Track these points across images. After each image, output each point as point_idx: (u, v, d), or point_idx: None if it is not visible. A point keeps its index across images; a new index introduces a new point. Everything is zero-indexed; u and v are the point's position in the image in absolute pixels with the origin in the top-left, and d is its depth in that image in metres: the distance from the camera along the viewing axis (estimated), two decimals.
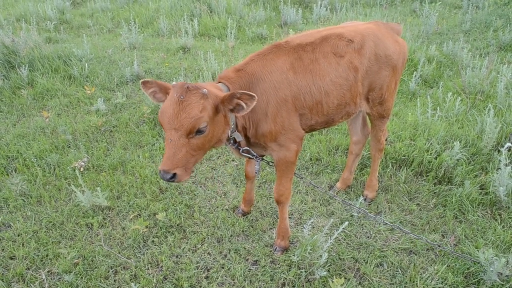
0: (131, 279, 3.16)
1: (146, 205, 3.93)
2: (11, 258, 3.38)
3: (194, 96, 2.40)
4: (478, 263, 3.09)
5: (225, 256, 3.38)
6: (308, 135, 4.93)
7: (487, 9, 9.18)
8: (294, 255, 3.23)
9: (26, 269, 3.27)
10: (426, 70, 6.24)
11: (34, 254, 3.40)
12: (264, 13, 9.71)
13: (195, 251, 3.43)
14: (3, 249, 3.46)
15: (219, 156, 4.72)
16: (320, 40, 2.96)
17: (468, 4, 9.64)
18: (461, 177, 4.05)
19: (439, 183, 4.10)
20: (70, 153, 4.70)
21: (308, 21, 9.68)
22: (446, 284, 3.05)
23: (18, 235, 3.60)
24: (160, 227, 3.65)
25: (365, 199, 3.94)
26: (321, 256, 3.10)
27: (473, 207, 3.76)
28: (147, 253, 3.40)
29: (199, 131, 2.44)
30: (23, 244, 3.50)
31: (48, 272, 3.25)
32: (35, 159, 4.52)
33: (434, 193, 3.99)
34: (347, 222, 3.06)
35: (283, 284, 3.11)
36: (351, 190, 4.12)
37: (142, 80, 2.60)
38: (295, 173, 3.25)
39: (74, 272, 3.21)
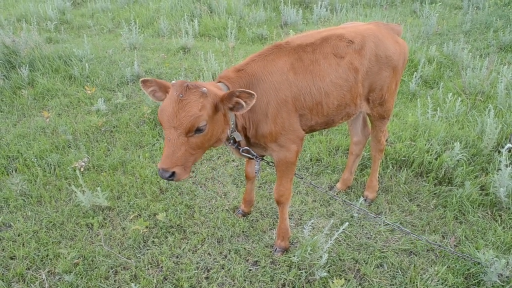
0: (131, 280, 3.16)
1: (146, 205, 3.93)
2: (12, 258, 3.38)
3: (194, 94, 2.40)
4: (479, 264, 3.09)
5: (225, 256, 3.38)
6: (308, 136, 4.93)
7: (487, 9, 9.18)
8: (294, 256, 3.23)
9: (26, 269, 3.27)
10: (426, 70, 6.24)
11: (34, 254, 3.40)
12: (265, 13, 9.72)
13: (195, 251, 3.43)
14: (3, 249, 3.46)
15: (220, 157, 4.72)
16: (321, 41, 2.96)
17: (469, 4, 9.65)
18: (461, 178, 4.04)
19: (439, 184, 4.10)
20: (71, 153, 4.70)
21: (309, 21, 9.68)
22: (446, 285, 3.05)
23: (19, 235, 3.60)
24: (160, 228, 3.65)
25: (365, 200, 3.94)
26: (321, 256, 3.09)
27: (473, 208, 3.76)
28: (147, 253, 3.40)
29: (198, 130, 2.44)
30: (23, 244, 3.50)
31: (48, 272, 3.26)
32: (36, 159, 4.52)
33: (435, 194, 3.99)
34: (347, 223, 3.07)
35: (283, 285, 3.11)
36: (351, 191, 4.12)
37: (141, 79, 2.60)
38: (295, 174, 3.25)
39: (74, 272, 3.21)
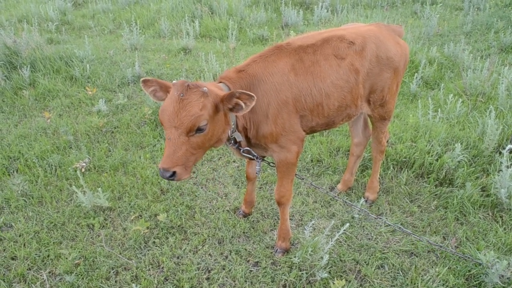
0: (132, 280, 3.17)
1: (147, 206, 3.93)
2: (13, 259, 3.39)
3: (195, 94, 2.41)
4: (480, 265, 3.09)
5: (226, 257, 3.38)
6: (309, 137, 4.93)
7: (488, 10, 9.18)
8: (295, 257, 3.23)
9: (27, 269, 3.28)
10: (427, 71, 6.24)
11: (36, 254, 3.40)
12: (265, 14, 9.72)
13: (196, 252, 3.43)
14: (4, 250, 3.47)
15: (220, 157, 4.72)
16: (321, 42, 2.97)
17: (469, 5, 9.65)
18: (462, 179, 4.04)
19: (440, 185, 4.10)
20: (72, 154, 4.71)
21: (309, 22, 9.68)
22: (447, 286, 3.05)
23: (20, 236, 3.60)
24: (161, 228, 3.65)
25: (366, 201, 3.94)
26: (322, 257, 3.10)
27: (474, 209, 3.75)
28: (148, 254, 3.40)
29: (199, 129, 2.45)
30: (24, 245, 3.51)
31: (49, 272, 3.26)
32: (37, 160, 4.52)
33: (435, 195, 3.99)
34: (348, 224, 3.07)
35: (284, 286, 3.11)
36: (352, 192, 4.12)
37: (142, 79, 2.60)
38: (296, 175, 3.25)
39: (75, 273, 3.21)
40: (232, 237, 3.58)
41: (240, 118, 2.80)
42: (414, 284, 3.09)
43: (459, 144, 4.09)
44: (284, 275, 3.17)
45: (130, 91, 6.27)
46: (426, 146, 4.38)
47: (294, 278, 3.13)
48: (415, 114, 5.08)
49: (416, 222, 3.71)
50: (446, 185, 4.08)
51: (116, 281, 3.17)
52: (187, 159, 2.47)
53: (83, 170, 4.40)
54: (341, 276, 3.16)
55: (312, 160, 4.58)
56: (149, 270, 3.26)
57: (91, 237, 3.60)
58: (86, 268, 3.27)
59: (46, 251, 3.43)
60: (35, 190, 4.14)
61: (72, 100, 5.99)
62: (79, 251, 3.42)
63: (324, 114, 3.02)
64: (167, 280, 3.18)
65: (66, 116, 5.60)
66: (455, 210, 3.76)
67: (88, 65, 6.70)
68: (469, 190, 3.82)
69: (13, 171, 4.45)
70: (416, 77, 5.85)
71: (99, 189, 3.82)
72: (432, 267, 3.22)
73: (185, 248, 3.45)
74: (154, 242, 3.53)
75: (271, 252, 3.39)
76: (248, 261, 3.35)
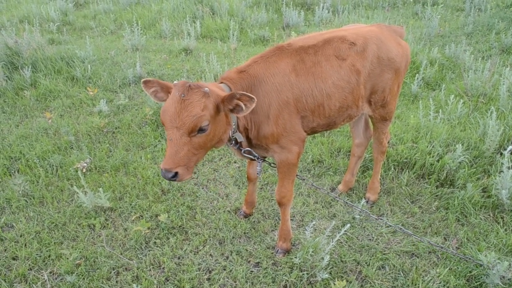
0: (133, 280, 3.17)
1: (148, 206, 3.93)
2: (14, 259, 3.39)
3: (196, 94, 2.41)
4: (481, 266, 3.09)
5: (227, 258, 3.38)
6: (310, 137, 4.93)
7: (490, 11, 9.17)
8: (296, 257, 3.23)
9: (28, 269, 3.28)
10: (428, 72, 6.24)
11: (37, 254, 3.40)
12: (266, 15, 9.73)
13: (197, 252, 3.43)
14: (5, 250, 3.47)
15: (221, 158, 4.72)
16: (323, 43, 2.97)
17: (471, 6, 9.64)
18: (463, 180, 4.04)
19: (441, 186, 4.10)
20: (73, 154, 4.71)
21: (310, 23, 9.69)
22: (448, 287, 3.05)
23: (21, 236, 3.61)
24: (162, 229, 3.65)
25: (367, 202, 3.93)
26: (323, 258, 3.10)
27: (475, 210, 3.75)
28: (149, 254, 3.40)
29: (201, 130, 2.45)
30: (25, 245, 3.51)
31: (50, 272, 3.26)
32: (38, 160, 4.53)
33: (436, 195, 3.99)
34: (349, 225, 3.07)
35: (285, 286, 3.11)
36: (353, 193, 4.12)
37: (143, 80, 2.60)
38: (297, 175, 3.25)
39: (76, 273, 3.22)
40: (233, 237, 3.58)
41: (241, 119, 2.80)
42: (415, 285, 3.08)
43: (460, 145, 4.08)
44: (285, 275, 3.17)
45: (131, 91, 6.27)
46: (427, 147, 4.38)
47: (295, 278, 3.13)
48: (416, 115, 5.07)
49: (417, 223, 3.71)
50: (447, 186, 4.08)
51: (117, 282, 3.17)
52: (189, 160, 2.47)
53: (84, 170, 4.41)
54: (342, 276, 3.16)
55: (313, 161, 4.58)
56: (150, 270, 3.26)
57: (92, 238, 3.60)
58: (87, 268, 3.27)
59: (47, 251, 3.44)
60: (36, 190, 4.14)
61: (73, 100, 5.99)
62: (80, 251, 3.42)
63: (325, 115, 3.02)
64: (168, 280, 3.18)
65: (67, 116, 5.61)
66: (456, 211, 3.76)
67: (89, 65, 6.71)
68: (470, 191, 3.82)
69: (14, 171, 4.46)
70: (417, 78, 5.85)
71: (100, 189, 3.83)
72: (433, 268, 3.22)
73: (186, 249, 3.45)
74: (155, 242, 3.53)
75: (272, 253, 3.40)
76: (249, 261, 3.35)
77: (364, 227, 3.68)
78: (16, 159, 4.66)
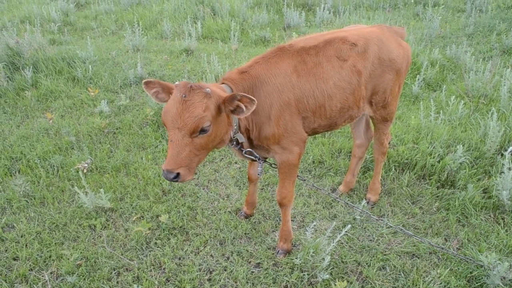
0: (133, 281, 3.17)
1: (149, 207, 3.94)
2: (14, 259, 3.40)
3: (197, 95, 2.41)
4: (481, 267, 3.08)
5: (228, 258, 3.38)
6: (311, 138, 4.93)
7: (491, 12, 9.17)
8: (296, 258, 3.23)
9: (29, 270, 3.28)
10: (429, 73, 6.24)
11: (37, 255, 3.41)
12: (267, 16, 9.73)
13: (198, 253, 3.43)
14: (6, 250, 3.47)
15: (222, 159, 4.73)
16: (324, 44, 2.97)
17: (471, 7, 9.64)
18: (464, 181, 4.04)
19: (442, 187, 4.10)
20: (74, 155, 4.72)
21: (311, 24, 9.69)
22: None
23: (22, 236, 3.61)
24: (163, 229, 3.65)
25: (367, 202, 3.93)
26: (323, 259, 3.09)
27: (476, 211, 3.75)
28: (149, 255, 3.41)
29: (202, 130, 2.45)
30: (26, 245, 3.51)
31: (51, 273, 3.26)
32: (39, 161, 4.54)
33: (437, 196, 3.98)
34: (349, 225, 3.07)
35: (286, 287, 3.11)
36: (354, 193, 4.12)
37: (144, 80, 2.59)
38: (298, 176, 3.26)
39: (77, 274, 3.22)
40: (233, 238, 3.58)
41: (242, 119, 2.80)
42: (416, 285, 3.08)
43: (461, 146, 4.08)
44: (286, 276, 3.17)
45: (132, 92, 6.28)
46: (428, 147, 4.38)
47: (295, 279, 3.13)
48: (417, 116, 5.07)
49: (418, 224, 3.70)
50: (448, 187, 4.07)
51: (117, 282, 3.17)
52: (190, 160, 2.47)
53: (85, 171, 4.41)
54: (343, 277, 3.16)
55: (314, 162, 4.58)
56: (151, 271, 3.26)
57: (93, 238, 3.61)
58: (87, 268, 3.27)
59: (48, 251, 3.44)
60: (37, 190, 4.15)
61: (74, 101, 6.00)
62: (81, 252, 3.43)
63: (326, 116, 3.02)
64: (168, 281, 3.18)
65: (68, 117, 5.61)
66: (457, 212, 3.76)
67: (90, 66, 6.72)
68: (471, 192, 3.82)
69: (15, 172, 4.46)
70: (418, 79, 5.85)
71: (101, 190, 3.83)
72: (434, 269, 3.22)
73: (187, 249, 3.45)
74: (155, 243, 3.53)
75: (273, 253, 3.40)
76: (250, 262, 3.35)
77: (364, 228, 3.68)
78: (17, 160, 4.66)
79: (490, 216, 3.73)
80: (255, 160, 3.08)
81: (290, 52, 2.90)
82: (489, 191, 3.92)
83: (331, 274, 3.17)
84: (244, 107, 2.47)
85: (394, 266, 3.26)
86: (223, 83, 2.81)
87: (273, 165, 3.41)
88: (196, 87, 2.42)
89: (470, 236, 3.51)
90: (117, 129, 5.28)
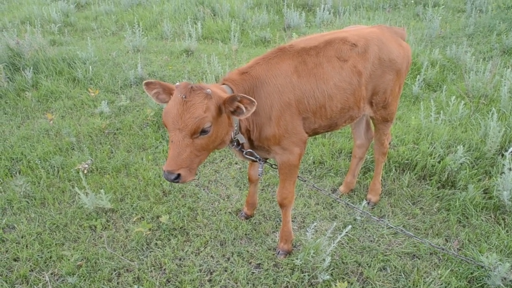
0: (134, 282, 3.17)
1: (150, 207, 3.94)
2: (15, 260, 3.40)
3: (198, 96, 2.41)
4: (482, 267, 3.08)
5: (228, 259, 3.38)
6: (311, 139, 4.93)
7: (491, 12, 9.17)
8: (297, 259, 3.23)
9: (29, 271, 3.28)
10: (429, 73, 6.24)
11: (38, 256, 3.41)
12: (267, 16, 9.73)
13: (198, 254, 3.43)
14: (7, 251, 3.47)
15: (222, 159, 4.73)
16: (324, 44, 2.97)
17: (472, 8, 9.64)
18: (464, 181, 4.04)
19: (442, 187, 4.09)
20: (74, 155, 4.72)
21: (311, 24, 9.69)
22: None
23: (22, 237, 3.61)
24: (163, 230, 3.65)
25: (368, 203, 3.93)
26: (324, 259, 3.09)
27: (476, 211, 3.75)
28: (150, 255, 3.41)
29: (203, 131, 2.45)
30: (26, 246, 3.51)
31: (51, 274, 3.26)
32: (39, 161, 4.54)
33: (438, 197, 3.98)
34: (350, 226, 3.06)
35: None
36: (354, 194, 4.12)
37: (145, 81, 2.59)
38: (298, 177, 3.25)
39: (78, 274, 3.22)
40: (234, 239, 3.58)
41: (243, 120, 2.80)
42: (416, 286, 3.08)
43: (461, 146, 4.08)
44: (286, 277, 3.17)
45: (133, 92, 6.28)
46: (428, 148, 4.38)
47: (296, 280, 3.13)
48: (417, 116, 5.07)
49: (418, 224, 3.70)
50: (448, 187, 4.07)
51: (118, 283, 3.17)
52: (191, 161, 2.47)
53: (85, 171, 4.41)
54: (343, 278, 3.16)
55: (314, 162, 4.58)
56: (151, 271, 3.26)
57: (93, 239, 3.61)
58: (88, 269, 3.27)
59: (48, 252, 3.44)
60: (38, 191, 4.15)
61: (74, 101, 6.00)
62: (81, 253, 3.43)
63: (326, 116, 3.02)
64: (169, 282, 3.18)
65: (68, 117, 5.61)
66: (457, 213, 3.75)
67: (90, 66, 6.73)
68: (472, 192, 3.82)
69: (16, 173, 4.46)
70: (419, 79, 5.85)
71: (102, 190, 3.83)
72: (434, 270, 3.22)
73: (187, 250, 3.45)
74: (156, 243, 3.53)
75: (273, 254, 3.39)
76: (250, 263, 3.35)
77: (365, 229, 3.68)
78: (18, 160, 4.66)
79: (490, 216, 3.73)
80: (256, 161, 3.08)
81: (291, 53, 2.90)
82: (490, 192, 3.91)
83: (331, 274, 3.17)
84: (244, 108, 2.47)
85: (395, 267, 3.26)
86: (223, 84, 2.81)
87: (273, 166, 3.41)
88: (197, 88, 2.42)
89: (470, 236, 3.51)
90: (118, 129, 5.28)
